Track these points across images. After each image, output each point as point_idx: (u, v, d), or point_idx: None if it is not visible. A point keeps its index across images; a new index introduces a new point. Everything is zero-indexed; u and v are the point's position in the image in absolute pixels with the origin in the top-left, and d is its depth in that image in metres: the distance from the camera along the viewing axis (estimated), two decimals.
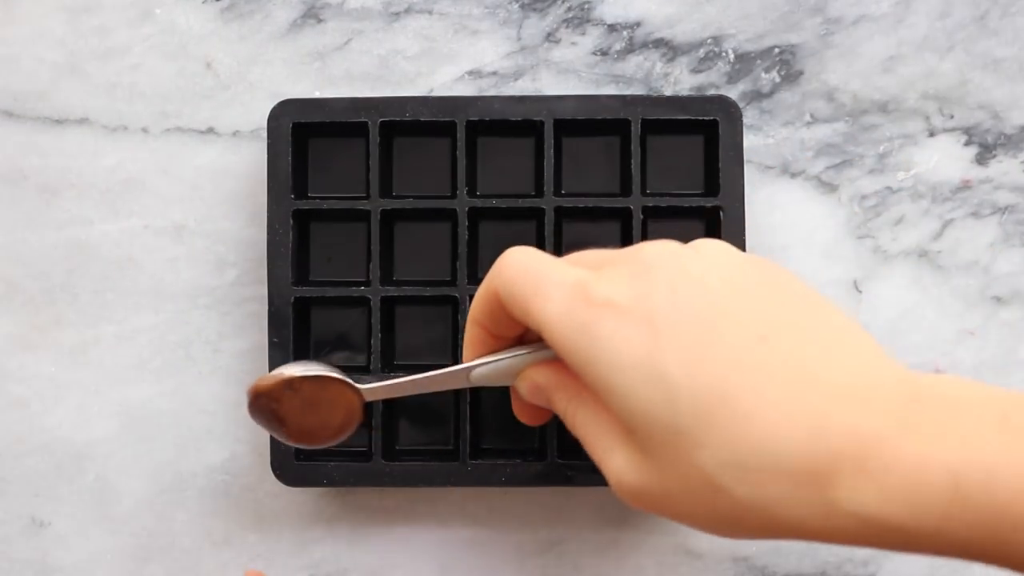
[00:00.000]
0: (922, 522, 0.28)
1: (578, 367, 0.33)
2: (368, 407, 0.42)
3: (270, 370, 0.47)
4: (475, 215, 0.48)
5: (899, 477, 0.28)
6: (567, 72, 0.50)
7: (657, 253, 0.33)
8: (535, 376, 0.38)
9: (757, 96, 0.50)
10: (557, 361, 0.37)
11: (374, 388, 0.40)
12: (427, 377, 0.40)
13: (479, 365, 0.39)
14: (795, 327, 0.31)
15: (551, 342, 0.34)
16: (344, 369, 0.48)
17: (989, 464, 0.27)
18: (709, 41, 0.50)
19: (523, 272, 0.35)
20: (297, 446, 0.42)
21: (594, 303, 0.32)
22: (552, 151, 0.47)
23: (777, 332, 0.31)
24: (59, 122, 0.51)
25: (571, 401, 0.36)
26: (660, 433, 0.31)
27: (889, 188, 0.50)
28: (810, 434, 0.29)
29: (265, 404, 0.40)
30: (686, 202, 0.47)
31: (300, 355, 0.47)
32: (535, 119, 0.47)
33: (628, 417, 0.32)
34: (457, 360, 0.47)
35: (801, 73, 0.50)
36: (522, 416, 0.41)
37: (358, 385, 0.40)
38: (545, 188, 0.47)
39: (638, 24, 0.50)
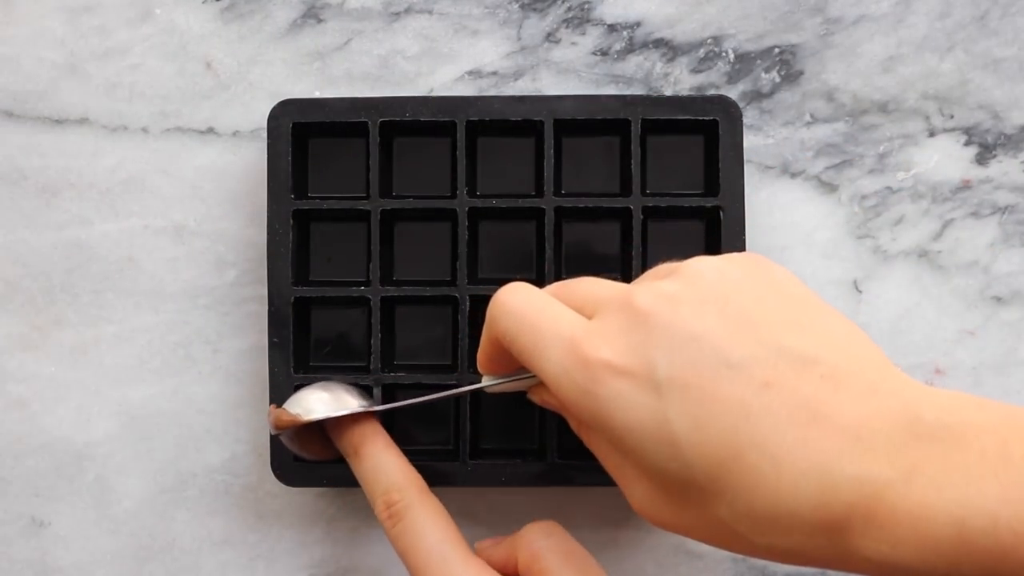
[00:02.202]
0: (934, 565, 0.28)
1: (587, 423, 0.33)
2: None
3: (270, 370, 0.47)
4: (475, 215, 0.48)
5: (907, 526, 0.28)
6: (567, 72, 0.50)
7: (650, 300, 0.32)
8: (544, 396, 0.39)
9: (757, 96, 0.50)
10: None
11: (390, 408, 0.43)
12: (442, 397, 0.42)
13: (494, 385, 0.40)
14: (797, 356, 0.30)
15: (558, 398, 0.33)
16: (344, 370, 0.48)
17: (991, 509, 0.27)
18: (709, 41, 0.50)
19: (517, 326, 0.35)
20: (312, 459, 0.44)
21: (591, 364, 0.32)
22: (552, 151, 0.47)
23: (779, 370, 0.30)
24: (59, 122, 0.51)
25: (585, 431, 0.36)
26: (677, 486, 0.31)
27: (889, 188, 0.50)
28: (820, 488, 0.29)
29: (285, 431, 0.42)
30: (686, 202, 0.47)
31: (300, 355, 0.47)
32: (535, 119, 0.47)
33: (644, 470, 0.32)
34: (456, 359, 0.47)
35: (801, 73, 0.50)
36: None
37: (374, 408, 0.42)
38: (545, 188, 0.47)
39: (638, 24, 0.50)
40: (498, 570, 0.39)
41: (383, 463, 0.41)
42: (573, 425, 0.37)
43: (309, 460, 0.45)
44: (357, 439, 0.42)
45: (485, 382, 0.41)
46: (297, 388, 0.46)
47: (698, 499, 0.30)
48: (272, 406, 0.42)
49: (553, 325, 0.34)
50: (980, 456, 0.28)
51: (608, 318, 0.33)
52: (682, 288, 0.32)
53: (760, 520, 0.30)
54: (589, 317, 0.34)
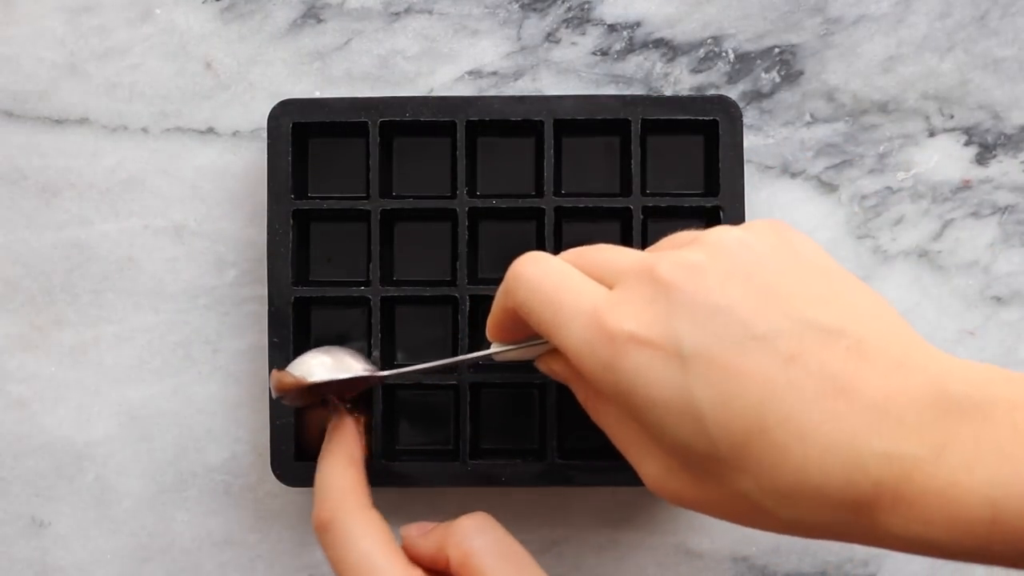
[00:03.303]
0: (966, 544, 0.28)
1: (609, 396, 0.32)
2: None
3: (269, 371, 0.47)
4: (475, 215, 0.48)
5: (937, 506, 0.28)
6: (567, 72, 0.50)
7: (673, 270, 0.31)
8: (553, 366, 0.38)
9: (757, 96, 0.50)
10: None
11: (395, 375, 0.42)
12: (449, 364, 0.41)
13: (502, 352, 0.40)
14: (823, 328, 0.30)
15: (579, 370, 0.33)
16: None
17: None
18: (709, 41, 0.50)
19: (536, 298, 0.34)
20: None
21: (615, 336, 0.31)
22: (552, 151, 0.47)
23: (805, 344, 0.29)
24: (59, 122, 0.51)
25: (594, 401, 0.35)
26: (699, 460, 0.30)
27: (889, 188, 0.50)
28: (848, 464, 0.28)
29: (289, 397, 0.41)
30: (686, 202, 0.47)
31: (300, 355, 0.47)
32: (535, 119, 0.47)
33: (665, 444, 0.31)
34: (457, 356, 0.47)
35: (801, 73, 0.50)
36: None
37: (381, 373, 0.42)
38: (545, 188, 0.47)
39: (638, 24, 0.50)
40: (426, 565, 0.37)
41: (330, 473, 0.40)
42: (580, 398, 0.37)
43: (309, 433, 0.45)
44: (325, 448, 0.41)
45: (494, 349, 0.40)
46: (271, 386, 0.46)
47: (721, 474, 0.30)
48: (275, 370, 0.41)
49: (574, 297, 0.33)
50: (1012, 433, 0.28)
51: (630, 288, 0.32)
52: (706, 258, 0.31)
53: (786, 495, 0.29)
54: (609, 287, 0.33)
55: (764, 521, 0.31)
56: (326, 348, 0.43)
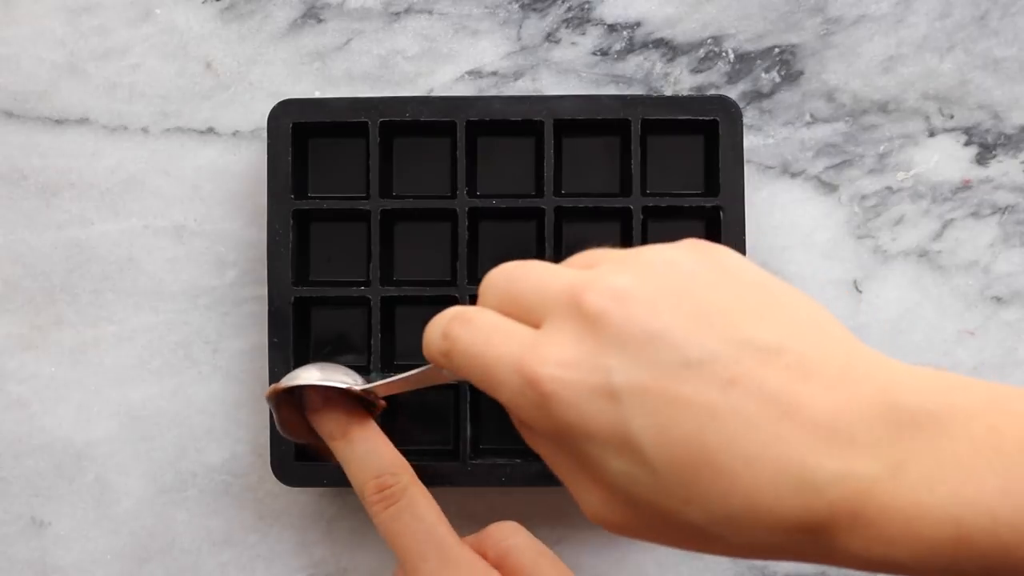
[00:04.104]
0: (930, 564, 0.27)
1: (546, 436, 0.31)
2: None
3: (270, 371, 0.47)
4: (475, 215, 0.48)
5: (899, 526, 0.27)
6: (567, 72, 0.50)
7: (600, 300, 0.29)
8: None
9: (757, 96, 0.50)
10: None
11: (373, 387, 0.40)
12: (409, 376, 0.38)
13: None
14: (760, 347, 0.28)
15: (516, 419, 0.32)
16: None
17: (989, 505, 0.26)
18: (709, 41, 0.50)
19: (468, 363, 0.32)
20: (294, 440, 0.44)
21: (540, 381, 0.29)
22: (552, 151, 0.47)
23: (743, 365, 0.28)
24: (59, 122, 0.51)
25: (528, 435, 0.33)
26: (643, 495, 0.29)
27: (889, 188, 0.50)
28: (800, 487, 0.27)
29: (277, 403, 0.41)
30: (686, 202, 0.47)
31: (300, 355, 0.47)
32: (535, 119, 0.47)
33: (607, 479, 0.30)
34: None
35: (801, 73, 0.50)
36: None
37: (356, 388, 0.40)
38: (545, 188, 0.47)
39: (638, 24, 0.50)
40: None
41: (376, 447, 0.41)
42: (515, 423, 0.35)
43: (296, 442, 0.45)
44: (346, 422, 0.41)
45: (434, 367, 0.37)
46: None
47: (667, 505, 0.29)
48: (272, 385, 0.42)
49: (500, 350, 0.31)
50: (970, 445, 0.27)
51: (555, 325, 0.30)
52: (633, 283, 0.30)
53: (737, 522, 0.28)
54: (537, 323, 0.31)
55: (716, 547, 0.30)
56: (320, 364, 0.42)
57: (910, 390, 0.28)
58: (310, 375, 0.41)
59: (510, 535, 0.39)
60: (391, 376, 0.39)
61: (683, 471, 0.28)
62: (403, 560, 0.38)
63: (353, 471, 0.41)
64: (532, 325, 0.31)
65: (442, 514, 0.39)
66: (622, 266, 0.31)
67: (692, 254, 0.31)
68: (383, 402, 0.41)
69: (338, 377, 0.41)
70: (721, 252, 0.31)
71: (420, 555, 0.38)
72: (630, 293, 0.29)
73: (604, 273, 0.30)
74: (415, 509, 0.39)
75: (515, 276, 0.33)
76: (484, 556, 0.39)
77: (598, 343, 0.29)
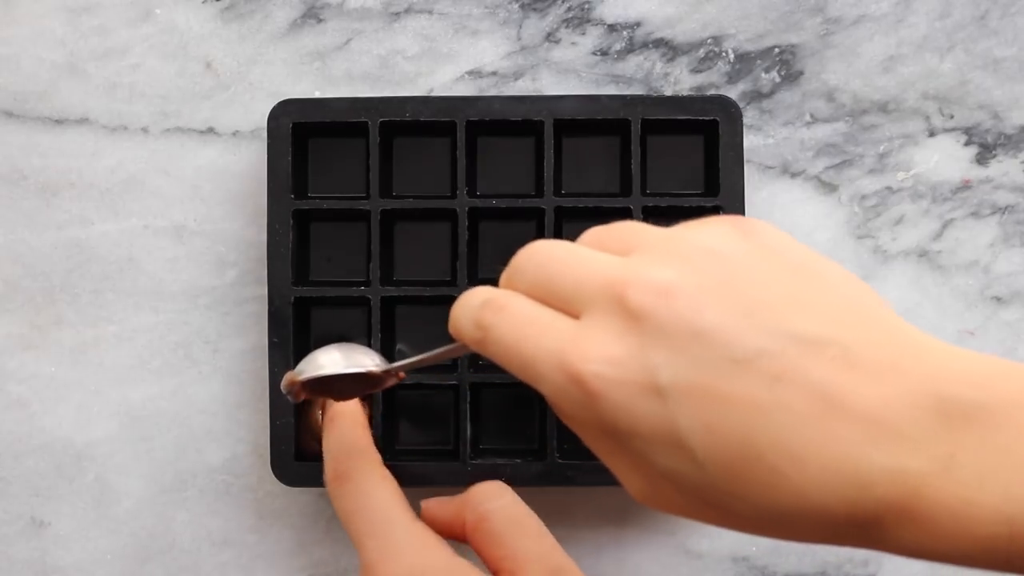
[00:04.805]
0: (980, 559, 0.27)
1: (591, 429, 0.31)
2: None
3: (270, 370, 0.47)
4: (475, 215, 0.48)
5: (949, 522, 0.26)
6: (567, 72, 0.50)
7: (644, 297, 0.29)
8: None
9: (757, 96, 0.50)
10: None
11: (396, 367, 0.39)
12: (439, 352, 0.37)
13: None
14: (806, 339, 0.28)
15: (559, 414, 0.31)
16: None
17: None
18: (709, 41, 0.50)
19: (505, 353, 0.31)
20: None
21: (585, 378, 0.29)
22: (552, 151, 0.47)
23: (789, 359, 0.28)
24: (59, 122, 0.51)
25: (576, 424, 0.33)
26: (690, 487, 0.29)
27: (889, 188, 0.50)
28: (849, 483, 0.27)
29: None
30: (686, 202, 0.47)
31: (300, 355, 0.47)
32: (535, 119, 0.47)
33: (654, 472, 0.29)
34: (456, 359, 0.47)
35: (801, 73, 0.50)
36: None
37: (382, 368, 0.39)
38: (545, 188, 0.47)
39: (638, 24, 0.50)
40: (444, 531, 0.38)
41: (341, 432, 0.41)
42: (554, 409, 0.35)
43: (308, 435, 0.45)
44: (331, 413, 0.42)
45: (459, 346, 0.36)
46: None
47: (715, 498, 0.29)
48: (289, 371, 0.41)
49: (538, 343, 0.30)
50: (1020, 437, 0.26)
51: (597, 319, 0.29)
52: (677, 277, 0.29)
53: (785, 517, 0.28)
54: (576, 313, 0.30)
55: (763, 533, 0.30)
56: (340, 344, 0.41)
57: (958, 380, 0.28)
58: (333, 361, 0.39)
59: (489, 498, 0.38)
60: (415, 356, 0.39)
61: (731, 468, 0.28)
62: (352, 539, 0.38)
63: (324, 457, 0.41)
64: (568, 314, 0.31)
65: (397, 496, 0.38)
66: (663, 257, 0.30)
67: (733, 236, 0.30)
68: (402, 374, 0.40)
69: (358, 359, 0.40)
70: (763, 230, 0.31)
71: (366, 534, 0.37)
72: (674, 288, 0.29)
73: (645, 265, 0.30)
74: (364, 488, 0.38)
75: (548, 262, 0.32)
76: (463, 521, 0.38)
77: (643, 340, 0.28)
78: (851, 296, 0.30)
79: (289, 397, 0.40)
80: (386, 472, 0.40)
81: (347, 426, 0.41)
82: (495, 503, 0.38)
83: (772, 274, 0.30)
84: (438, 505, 0.39)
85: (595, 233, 0.33)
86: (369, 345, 0.47)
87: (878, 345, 0.28)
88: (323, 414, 0.46)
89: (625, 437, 0.29)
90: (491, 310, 0.32)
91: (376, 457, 0.40)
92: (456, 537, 0.39)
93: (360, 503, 0.38)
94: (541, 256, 0.32)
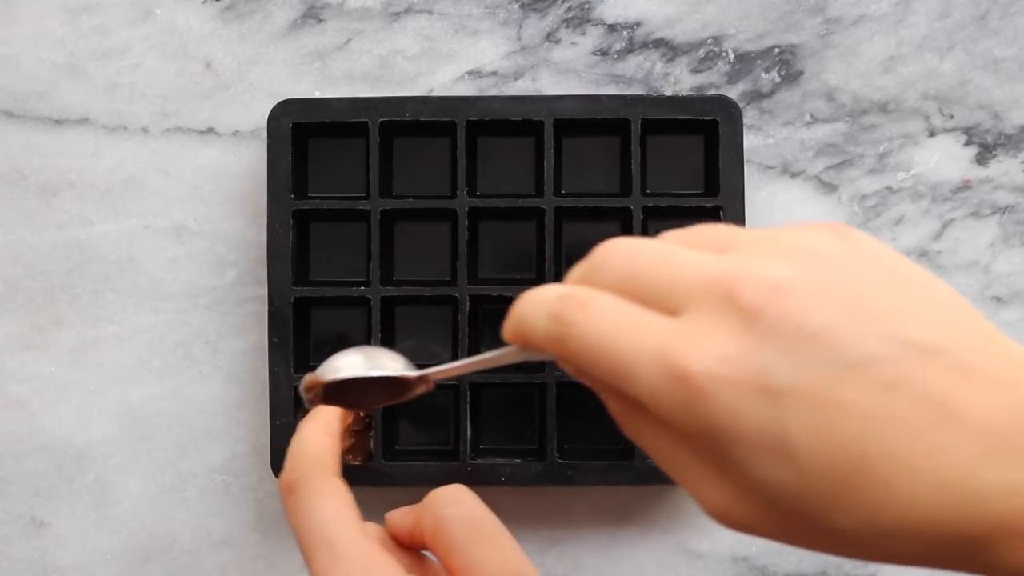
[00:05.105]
0: None
1: (687, 435, 0.28)
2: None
3: (270, 370, 0.47)
4: (475, 215, 0.48)
5: None
6: (567, 72, 0.50)
7: (757, 293, 0.27)
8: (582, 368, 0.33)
9: (757, 96, 0.50)
10: None
11: (430, 373, 0.37)
12: (485, 359, 0.34)
13: (527, 355, 0.33)
14: (920, 347, 0.27)
15: (652, 414, 0.29)
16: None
17: None
18: (709, 41, 0.50)
19: (591, 348, 0.29)
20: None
21: (692, 377, 0.27)
22: (552, 151, 0.47)
23: (904, 367, 0.26)
24: (59, 122, 0.51)
25: (634, 418, 0.30)
26: (786, 498, 0.27)
27: (889, 188, 0.50)
28: (963, 498, 0.26)
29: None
30: (686, 202, 0.47)
31: (300, 355, 0.47)
32: (535, 119, 0.47)
33: (750, 482, 0.28)
34: (456, 359, 0.47)
35: (801, 73, 0.50)
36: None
37: (414, 374, 0.37)
38: (545, 188, 0.47)
39: (638, 24, 0.50)
40: (408, 541, 0.37)
41: (302, 438, 0.39)
42: (613, 410, 0.32)
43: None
44: (308, 415, 0.40)
45: (516, 349, 0.33)
46: (297, 388, 0.46)
47: (814, 511, 0.27)
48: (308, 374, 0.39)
49: (634, 339, 0.28)
50: None
51: (703, 316, 0.28)
52: (791, 275, 0.28)
53: (889, 532, 0.27)
54: (673, 311, 0.29)
55: (855, 552, 0.28)
56: (360, 347, 0.38)
57: None
58: (354, 365, 0.37)
59: (447, 503, 0.36)
60: (453, 362, 0.36)
61: (837, 478, 0.27)
62: (302, 553, 0.37)
63: None
64: (663, 313, 0.29)
65: (345, 510, 0.36)
66: (771, 255, 0.29)
67: (835, 240, 0.29)
68: (432, 384, 0.37)
69: (385, 363, 0.37)
70: (862, 237, 0.30)
71: (313, 548, 0.36)
72: (787, 286, 0.27)
73: (757, 262, 0.28)
74: (310, 502, 0.37)
75: (636, 258, 0.30)
76: (422, 528, 0.36)
77: (755, 338, 0.27)
78: (954, 306, 0.29)
79: (306, 402, 0.38)
80: (337, 483, 0.37)
81: (310, 431, 0.39)
82: (452, 508, 0.36)
83: (877, 280, 0.28)
84: (400, 516, 0.38)
85: (677, 234, 0.31)
86: (369, 345, 0.47)
87: (987, 356, 0.27)
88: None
89: (724, 442, 0.27)
90: (573, 305, 0.30)
91: (331, 467, 0.38)
92: (420, 547, 0.37)
93: (305, 518, 0.36)
94: (627, 252, 0.30)
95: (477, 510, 0.36)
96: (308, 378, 0.37)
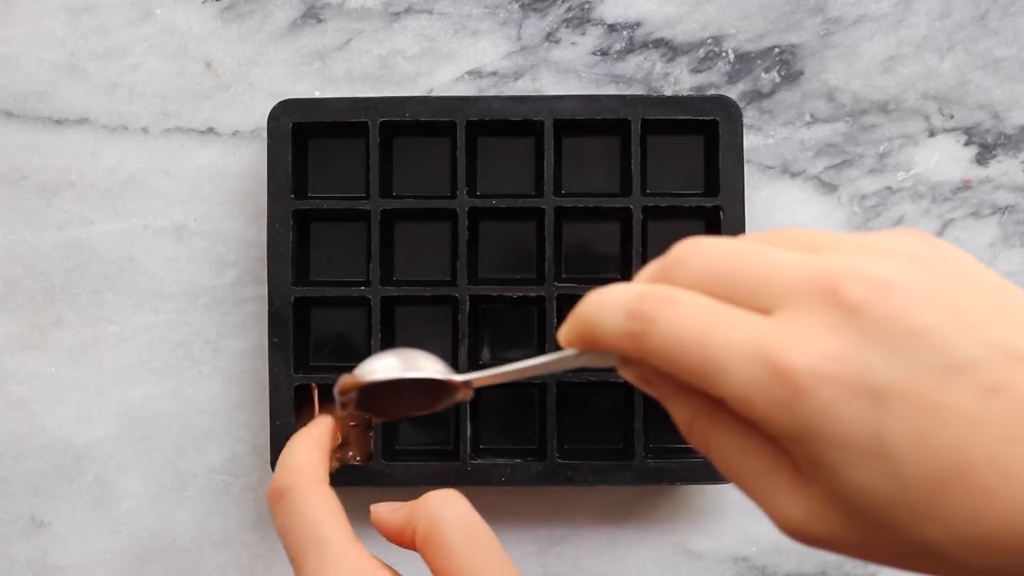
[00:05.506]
0: None
1: (775, 435, 0.28)
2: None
3: (270, 370, 0.47)
4: (475, 215, 0.48)
5: None
6: (567, 72, 0.50)
7: (861, 289, 0.27)
8: (646, 374, 0.31)
9: (757, 96, 0.50)
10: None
11: (475, 378, 0.35)
12: (537, 364, 0.33)
13: (587, 357, 0.32)
14: (1018, 353, 0.26)
15: (742, 413, 0.28)
16: (345, 370, 0.48)
17: None
18: (709, 41, 0.50)
19: (677, 343, 0.28)
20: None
21: (793, 373, 0.26)
22: (552, 151, 0.47)
23: (1006, 372, 0.26)
24: (59, 122, 0.51)
25: (706, 427, 0.30)
26: (878, 506, 0.27)
27: (889, 188, 0.50)
28: None
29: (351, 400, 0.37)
30: (686, 202, 0.47)
31: (300, 355, 0.47)
32: (535, 119, 0.47)
33: (843, 488, 0.27)
34: (456, 359, 0.47)
35: (801, 73, 0.50)
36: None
37: (458, 378, 0.35)
38: (545, 188, 0.47)
39: (638, 24, 0.50)
40: (393, 537, 0.37)
41: (292, 447, 0.39)
42: (682, 419, 0.31)
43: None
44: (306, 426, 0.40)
45: (574, 353, 0.32)
46: (297, 388, 0.47)
47: (902, 521, 0.26)
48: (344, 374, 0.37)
49: (728, 335, 0.28)
50: None
51: (804, 313, 0.27)
52: (895, 274, 0.27)
53: (985, 543, 0.26)
54: (764, 310, 0.28)
55: (940, 568, 0.27)
56: (395, 349, 0.37)
57: None
58: (390, 366, 0.36)
59: (444, 507, 0.36)
60: (502, 368, 0.34)
61: (934, 485, 0.26)
62: (289, 559, 0.37)
63: None
64: (754, 311, 0.28)
65: (334, 513, 0.36)
66: (874, 253, 0.28)
67: (925, 246, 0.29)
68: (471, 392, 0.36)
69: (424, 365, 0.36)
70: (946, 244, 0.29)
71: (300, 553, 0.36)
72: (891, 283, 0.27)
73: (860, 260, 0.28)
74: (298, 508, 0.36)
75: (723, 257, 0.29)
76: (414, 530, 0.36)
77: (859, 336, 0.26)
78: None
79: (339, 405, 0.37)
80: (326, 489, 0.37)
81: (299, 444, 0.39)
82: (448, 512, 0.36)
83: (968, 285, 0.28)
84: (388, 511, 0.37)
85: (762, 236, 0.31)
86: (369, 345, 0.47)
87: None
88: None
89: (819, 444, 0.27)
90: (655, 301, 0.29)
91: (319, 475, 0.38)
92: (405, 545, 0.37)
93: (292, 522, 0.36)
94: (710, 251, 0.30)
95: (473, 516, 0.36)
96: (345, 379, 0.36)
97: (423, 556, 0.36)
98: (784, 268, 0.28)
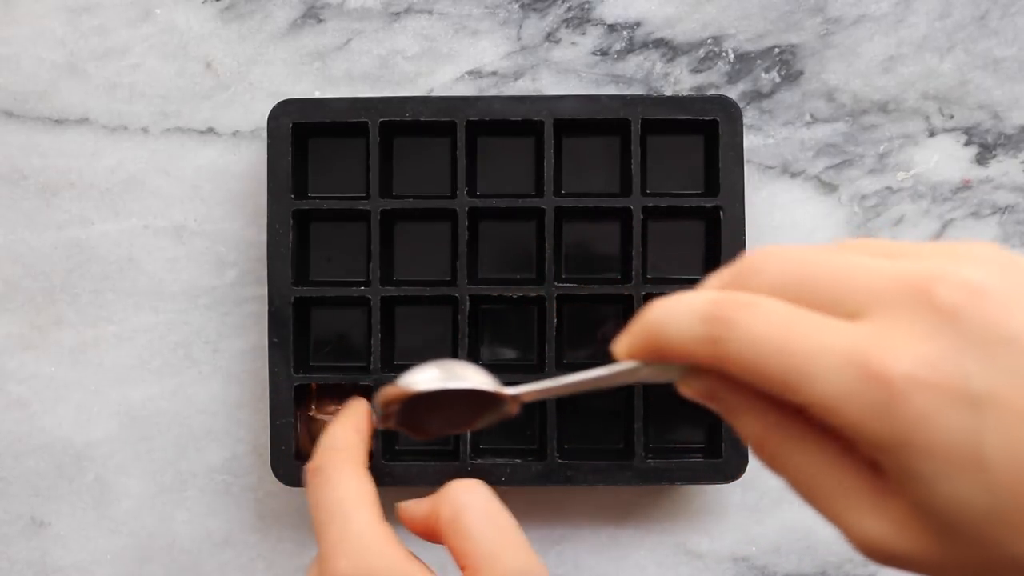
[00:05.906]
0: None
1: (864, 444, 0.27)
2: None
3: (270, 370, 0.47)
4: (475, 215, 0.48)
5: None
6: (567, 72, 0.50)
7: (956, 294, 0.26)
8: (714, 387, 0.30)
9: (757, 96, 0.50)
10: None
11: (524, 392, 0.34)
12: (592, 378, 0.31)
13: (648, 370, 0.30)
14: None
15: (831, 422, 0.27)
16: (344, 370, 0.48)
17: None
18: (709, 41, 0.50)
19: (763, 351, 0.27)
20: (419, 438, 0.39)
21: (891, 379, 0.25)
22: (552, 151, 0.47)
23: None
24: (59, 122, 0.51)
25: (780, 440, 0.29)
26: (970, 519, 0.26)
27: (889, 188, 0.50)
28: None
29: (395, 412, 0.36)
30: (686, 202, 0.47)
31: (300, 355, 0.47)
32: (535, 119, 0.47)
33: (934, 501, 0.26)
34: (457, 357, 0.47)
35: (801, 73, 0.50)
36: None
37: (508, 391, 0.34)
38: (545, 188, 0.47)
39: (638, 24, 0.50)
40: (420, 530, 0.38)
41: (335, 430, 0.41)
42: (752, 432, 0.30)
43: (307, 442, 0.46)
44: (343, 408, 0.42)
45: (631, 365, 0.30)
46: (297, 388, 0.47)
47: (991, 536, 0.26)
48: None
49: (818, 340, 0.27)
50: None
51: (898, 318, 0.26)
52: (989, 278, 0.26)
53: None
54: (851, 315, 0.27)
55: None
56: (436, 361, 0.36)
57: None
58: (432, 378, 0.35)
59: (466, 493, 0.37)
60: (554, 380, 0.33)
61: None
62: (315, 530, 0.38)
63: None
64: (838, 317, 0.27)
65: (365, 493, 0.37)
66: (963, 259, 0.27)
67: (1005, 255, 0.28)
68: (519, 407, 0.35)
69: (470, 377, 0.35)
70: (1012, 253, 0.29)
71: (323, 525, 0.37)
72: (988, 289, 0.26)
73: (952, 265, 0.27)
74: (329, 484, 0.38)
75: (802, 262, 0.29)
76: (438, 515, 0.37)
77: (957, 341, 0.25)
78: None
79: (378, 419, 0.36)
80: (363, 471, 0.39)
81: (342, 428, 0.41)
82: (471, 497, 0.37)
83: None
84: (414, 504, 0.38)
85: (839, 245, 0.30)
86: (369, 345, 0.47)
87: None
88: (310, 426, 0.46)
89: (912, 454, 0.26)
90: (733, 306, 0.28)
91: (357, 457, 0.39)
92: (432, 537, 0.38)
93: (324, 495, 0.38)
94: (789, 257, 0.29)
95: (494, 503, 0.37)
96: (388, 390, 0.35)
97: (446, 542, 0.37)
98: (869, 273, 0.27)
